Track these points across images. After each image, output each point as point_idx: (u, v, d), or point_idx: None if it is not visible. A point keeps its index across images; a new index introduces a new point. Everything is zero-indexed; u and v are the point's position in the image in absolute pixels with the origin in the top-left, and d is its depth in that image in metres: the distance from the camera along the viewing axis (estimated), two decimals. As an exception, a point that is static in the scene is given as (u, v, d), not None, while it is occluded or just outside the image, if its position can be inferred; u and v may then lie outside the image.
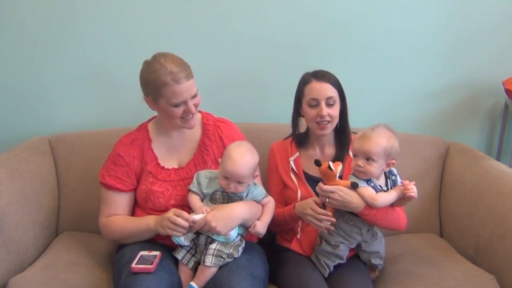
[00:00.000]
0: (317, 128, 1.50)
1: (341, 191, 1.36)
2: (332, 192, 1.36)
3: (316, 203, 1.41)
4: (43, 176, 1.73)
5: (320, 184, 1.39)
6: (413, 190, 1.35)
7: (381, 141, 1.34)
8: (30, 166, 1.68)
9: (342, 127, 1.56)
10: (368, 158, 1.35)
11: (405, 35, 1.95)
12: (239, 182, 1.39)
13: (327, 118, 1.48)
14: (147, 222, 1.41)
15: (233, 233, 1.39)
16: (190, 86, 1.40)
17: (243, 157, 1.38)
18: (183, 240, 1.37)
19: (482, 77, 2.01)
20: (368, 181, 1.38)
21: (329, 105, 1.48)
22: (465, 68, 2.00)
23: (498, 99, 2.04)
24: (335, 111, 1.49)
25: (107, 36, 1.89)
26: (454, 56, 1.99)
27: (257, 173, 1.46)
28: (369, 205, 1.36)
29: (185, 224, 1.30)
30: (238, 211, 1.38)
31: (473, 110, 2.07)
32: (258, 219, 1.44)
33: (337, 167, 1.38)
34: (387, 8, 1.92)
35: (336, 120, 1.51)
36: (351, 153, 1.54)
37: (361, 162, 1.36)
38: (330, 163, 1.37)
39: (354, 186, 1.36)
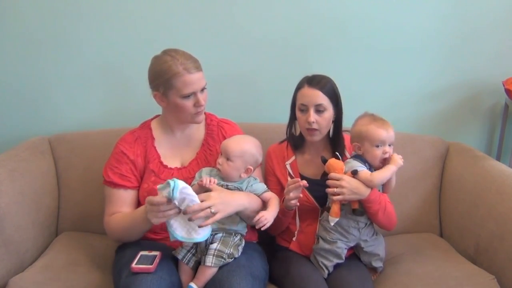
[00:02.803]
0: (307, 134, 1.51)
1: (347, 178, 1.39)
2: (340, 179, 1.38)
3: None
4: (43, 176, 1.73)
5: (331, 174, 1.41)
6: (399, 157, 1.43)
7: None
8: (30, 166, 1.68)
9: (335, 133, 1.55)
10: (390, 144, 1.42)
11: (405, 35, 1.95)
12: (227, 160, 1.42)
13: (314, 126, 1.47)
14: (140, 212, 1.36)
15: (207, 232, 1.33)
16: (200, 77, 1.44)
17: (241, 138, 1.47)
18: (175, 231, 1.29)
19: (482, 77, 2.01)
20: (364, 162, 1.42)
21: (318, 111, 1.47)
22: (465, 68, 2.00)
23: (498, 99, 2.04)
24: (323, 119, 1.47)
25: (108, 36, 1.89)
26: (454, 56, 1.99)
27: (251, 167, 1.45)
28: (368, 186, 1.40)
29: (160, 200, 1.23)
30: (238, 197, 1.40)
31: (473, 110, 2.07)
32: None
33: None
34: (386, 7, 1.92)
35: (325, 128, 1.50)
36: (348, 155, 1.54)
37: (388, 148, 1.41)
38: (337, 153, 1.45)
39: (354, 173, 1.39)
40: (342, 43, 1.95)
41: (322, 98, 1.47)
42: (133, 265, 1.28)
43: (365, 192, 1.40)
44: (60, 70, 1.91)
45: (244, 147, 1.44)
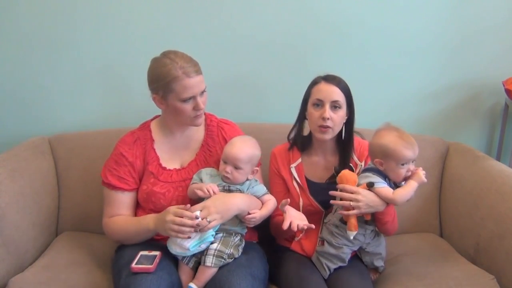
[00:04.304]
0: (318, 131, 1.47)
1: (362, 192, 1.36)
2: (355, 192, 1.35)
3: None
4: (43, 176, 1.73)
5: (341, 185, 1.38)
6: (423, 173, 1.38)
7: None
8: (30, 166, 1.68)
9: (347, 136, 1.51)
10: (414, 161, 1.38)
11: (405, 36, 1.95)
12: (236, 168, 1.41)
13: (329, 123, 1.44)
14: (146, 223, 1.40)
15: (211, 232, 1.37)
16: (199, 81, 1.42)
17: (243, 143, 1.45)
18: (187, 245, 1.33)
19: (482, 77, 2.01)
20: (385, 178, 1.39)
21: (333, 108, 1.44)
22: (465, 69, 2.00)
23: (498, 99, 2.04)
24: (338, 116, 1.45)
25: (108, 36, 1.89)
26: (454, 56, 1.99)
27: (257, 168, 1.47)
28: (389, 203, 1.37)
29: (191, 222, 1.29)
30: (237, 200, 1.40)
31: (473, 110, 2.07)
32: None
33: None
34: (386, 9, 1.92)
35: (338, 127, 1.47)
36: (356, 160, 1.53)
37: (412, 166, 1.38)
38: (351, 165, 1.43)
39: (370, 186, 1.36)
40: (342, 45, 1.94)
41: (338, 95, 1.44)
42: (133, 265, 1.29)
43: (381, 206, 1.37)
44: (60, 70, 1.91)
45: (250, 151, 1.44)
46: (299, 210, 1.50)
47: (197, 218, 1.30)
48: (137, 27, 1.89)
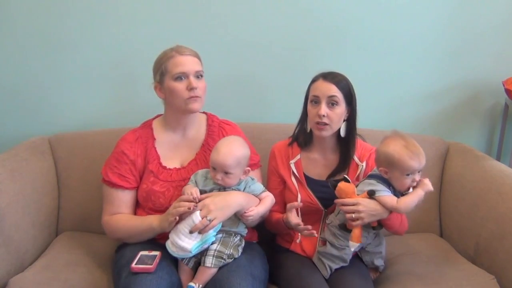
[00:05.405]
0: (316, 128, 1.47)
1: (363, 202, 1.35)
2: (355, 203, 1.34)
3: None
4: (43, 176, 1.73)
5: (340, 200, 1.38)
6: (430, 183, 1.38)
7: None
8: (30, 166, 1.68)
9: (347, 134, 1.50)
10: (420, 171, 1.36)
11: (405, 36, 1.95)
12: (226, 173, 1.39)
13: (325, 120, 1.43)
14: (150, 221, 1.40)
15: (212, 231, 1.37)
16: (192, 61, 1.45)
17: (228, 147, 1.40)
18: (189, 247, 1.32)
19: (482, 77, 2.01)
20: (389, 186, 1.37)
21: (330, 105, 1.44)
22: (465, 69, 2.01)
23: (498, 99, 2.04)
24: (335, 114, 1.44)
25: (108, 37, 1.89)
26: (454, 56, 1.99)
27: (248, 168, 1.44)
28: (393, 211, 1.35)
29: (187, 197, 1.31)
30: (236, 196, 1.39)
31: (473, 110, 2.07)
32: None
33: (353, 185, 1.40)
34: (387, 10, 1.92)
35: (336, 124, 1.46)
36: (357, 161, 1.52)
37: (417, 176, 1.36)
38: (346, 176, 1.40)
39: (371, 193, 1.35)
40: (342, 46, 1.95)
41: (335, 91, 1.43)
42: (133, 265, 1.29)
43: (384, 213, 1.36)
44: (60, 70, 1.91)
45: (237, 154, 1.40)
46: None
47: (195, 204, 1.32)
48: (138, 27, 1.89)
